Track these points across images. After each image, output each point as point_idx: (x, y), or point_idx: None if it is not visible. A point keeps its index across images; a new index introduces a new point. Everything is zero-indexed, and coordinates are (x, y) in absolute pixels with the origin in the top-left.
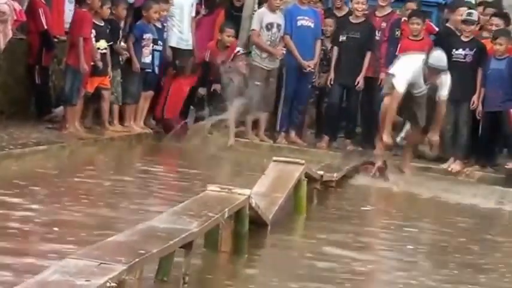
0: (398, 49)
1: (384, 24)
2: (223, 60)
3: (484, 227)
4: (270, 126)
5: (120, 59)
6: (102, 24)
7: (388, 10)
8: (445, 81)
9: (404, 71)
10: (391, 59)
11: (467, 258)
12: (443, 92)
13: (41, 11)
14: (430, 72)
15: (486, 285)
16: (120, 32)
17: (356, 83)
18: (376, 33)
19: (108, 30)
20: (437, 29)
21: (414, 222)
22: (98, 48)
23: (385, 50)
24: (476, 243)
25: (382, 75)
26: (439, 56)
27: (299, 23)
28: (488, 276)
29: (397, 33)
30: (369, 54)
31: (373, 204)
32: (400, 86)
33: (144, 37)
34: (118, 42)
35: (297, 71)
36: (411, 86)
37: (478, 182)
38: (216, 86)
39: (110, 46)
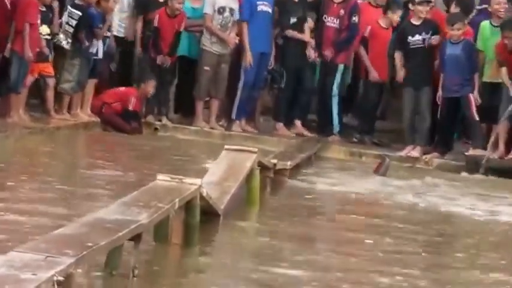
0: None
1: (342, 12)
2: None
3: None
4: (223, 113)
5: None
6: (44, 9)
7: None
8: None
9: None
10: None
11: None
12: None
13: None
14: None
15: None
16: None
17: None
18: (335, 21)
19: (50, 16)
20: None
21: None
22: (40, 34)
23: (344, 37)
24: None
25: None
26: None
27: (259, 8)
28: None
29: (354, 19)
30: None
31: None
32: None
33: (96, 26)
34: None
35: (256, 58)
36: None
37: (437, 169)
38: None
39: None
